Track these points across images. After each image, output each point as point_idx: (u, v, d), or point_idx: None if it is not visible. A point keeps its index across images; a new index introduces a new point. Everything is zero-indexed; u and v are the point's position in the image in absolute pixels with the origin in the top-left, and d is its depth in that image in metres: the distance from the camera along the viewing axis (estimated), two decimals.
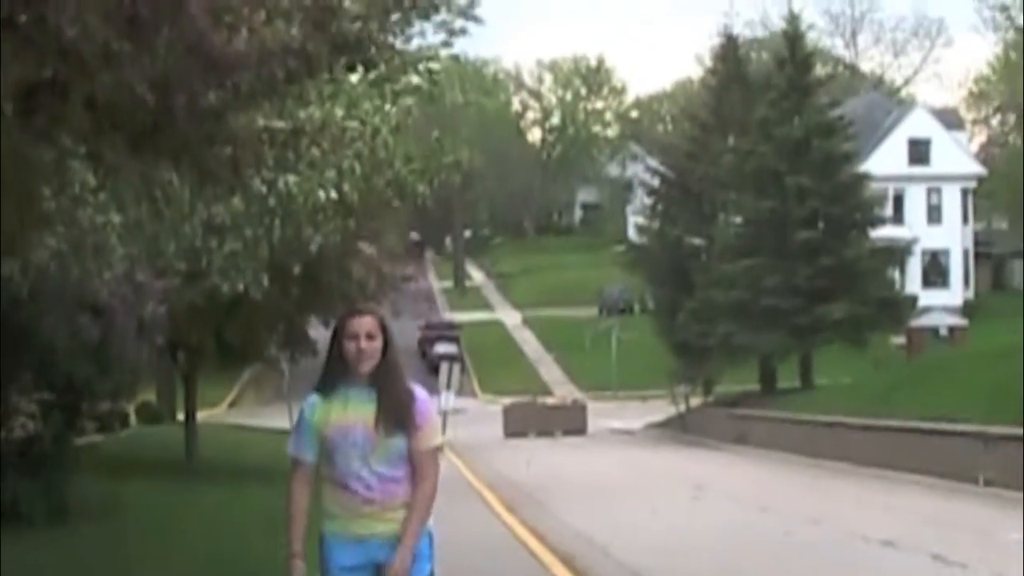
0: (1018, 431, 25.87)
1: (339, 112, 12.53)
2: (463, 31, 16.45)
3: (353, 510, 6.88)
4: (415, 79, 15.25)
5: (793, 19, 53.26)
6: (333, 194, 12.87)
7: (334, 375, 6.90)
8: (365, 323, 6.86)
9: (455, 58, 16.58)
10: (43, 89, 7.67)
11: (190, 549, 16.99)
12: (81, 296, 17.78)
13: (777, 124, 50.15)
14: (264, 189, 11.89)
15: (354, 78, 12.90)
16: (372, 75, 13.60)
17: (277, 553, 16.28)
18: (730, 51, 60.51)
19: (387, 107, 14.30)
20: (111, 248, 12.12)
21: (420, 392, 6.99)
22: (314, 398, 6.95)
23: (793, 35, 52.48)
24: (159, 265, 16.12)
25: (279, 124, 10.51)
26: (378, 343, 6.86)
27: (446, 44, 16.41)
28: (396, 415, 6.81)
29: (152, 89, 7.79)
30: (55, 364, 18.72)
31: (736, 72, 58.98)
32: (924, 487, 27.87)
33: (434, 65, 16.27)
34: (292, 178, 11.94)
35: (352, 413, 6.83)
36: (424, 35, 15.88)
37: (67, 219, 11.04)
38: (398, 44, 13.81)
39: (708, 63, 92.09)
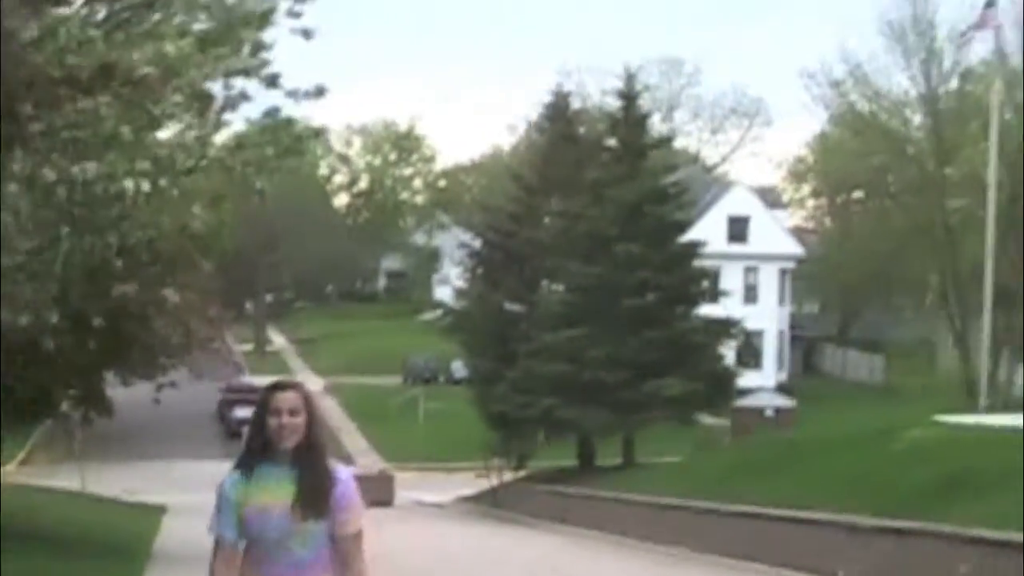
0: (889, 523, 23.62)
1: (135, 57, 9.39)
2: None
3: None
4: (247, 49, 12.36)
5: (630, 78, 51.00)
6: (146, 186, 9.66)
7: (255, 451, 6.59)
8: (288, 398, 6.55)
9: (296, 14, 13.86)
10: None
11: None
12: None
13: (609, 186, 47.93)
14: (53, 176, 8.67)
15: (182, 42, 9.88)
16: (198, 27, 10.61)
17: None
18: (561, 109, 58.38)
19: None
20: None
21: (343, 473, 6.66)
22: (235, 475, 6.62)
23: (628, 95, 50.43)
24: None
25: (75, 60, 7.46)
26: (301, 419, 6.54)
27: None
28: (315, 499, 6.49)
29: None
30: None
31: (566, 132, 56.79)
32: None
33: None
34: (92, 165, 8.71)
35: (271, 493, 6.51)
36: None
37: None
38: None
39: (521, 131, 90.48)
